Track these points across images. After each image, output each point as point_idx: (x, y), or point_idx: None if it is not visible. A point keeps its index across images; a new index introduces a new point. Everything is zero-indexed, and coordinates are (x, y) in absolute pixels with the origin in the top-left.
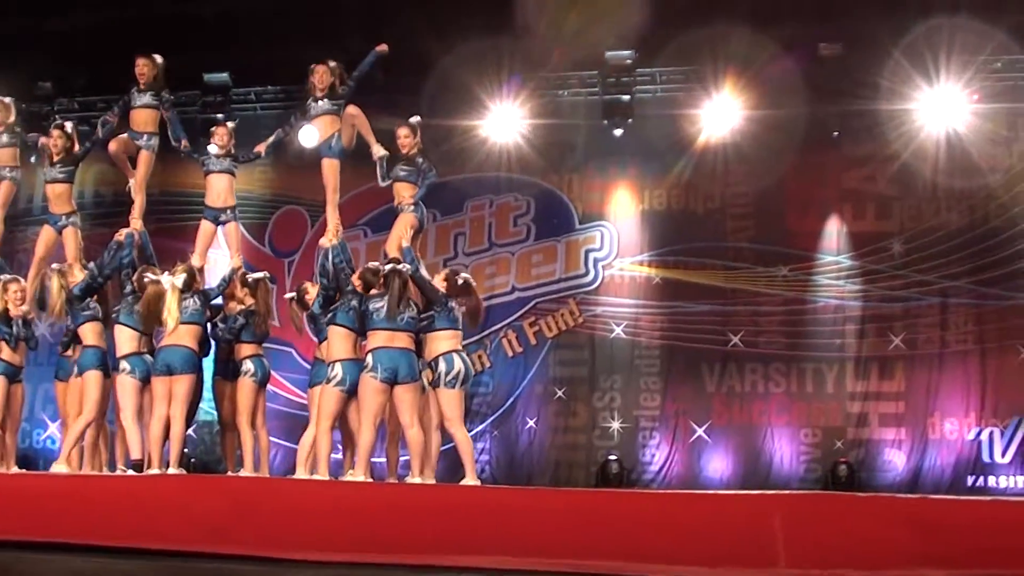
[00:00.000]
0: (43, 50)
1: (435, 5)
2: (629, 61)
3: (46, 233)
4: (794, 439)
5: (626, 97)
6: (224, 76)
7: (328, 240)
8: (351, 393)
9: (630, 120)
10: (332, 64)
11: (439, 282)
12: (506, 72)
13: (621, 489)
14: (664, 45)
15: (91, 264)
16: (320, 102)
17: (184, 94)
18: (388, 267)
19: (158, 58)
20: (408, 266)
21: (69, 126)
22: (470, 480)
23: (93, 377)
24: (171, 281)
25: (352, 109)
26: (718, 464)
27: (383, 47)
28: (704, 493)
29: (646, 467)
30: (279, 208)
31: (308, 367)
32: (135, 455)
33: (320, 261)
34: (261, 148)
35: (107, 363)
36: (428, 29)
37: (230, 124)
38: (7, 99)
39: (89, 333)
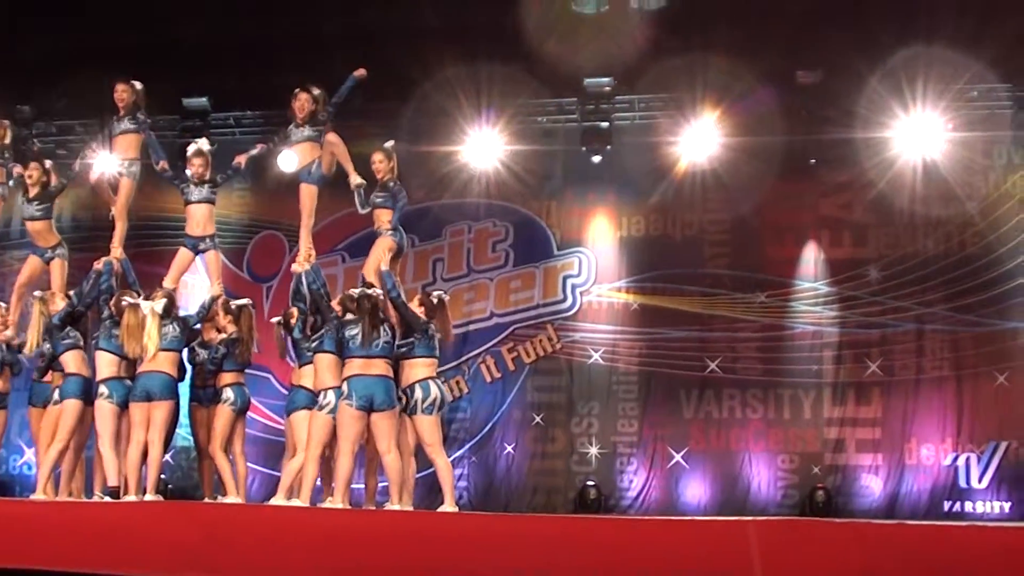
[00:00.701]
0: (21, 74)
1: (415, 32)
2: (608, 88)
3: (32, 262)
4: (771, 465)
5: (605, 124)
6: (203, 100)
7: (300, 265)
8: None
9: (609, 147)
10: (315, 92)
11: (416, 307)
12: (485, 99)
13: (599, 515)
14: (643, 72)
15: (71, 292)
16: (301, 128)
17: (163, 118)
18: (359, 292)
19: (137, 84)
20: (380, 292)
21: (48, 163)
22: (448, 506)
23: (71, 405)
24: (151, 307)
25: (332, 136)
26: (696, 490)
27: (361, 72)
28: (682, 519)
29: (624, 493)
30: (257, 233)
31: (286, 393)
32: (112, 482)
33: (294, 286)
34: (242, 159)
35: (90, 391)
36: (408, 55)
37: (206, 148)
38: (5, 121)
39: (71, 361)
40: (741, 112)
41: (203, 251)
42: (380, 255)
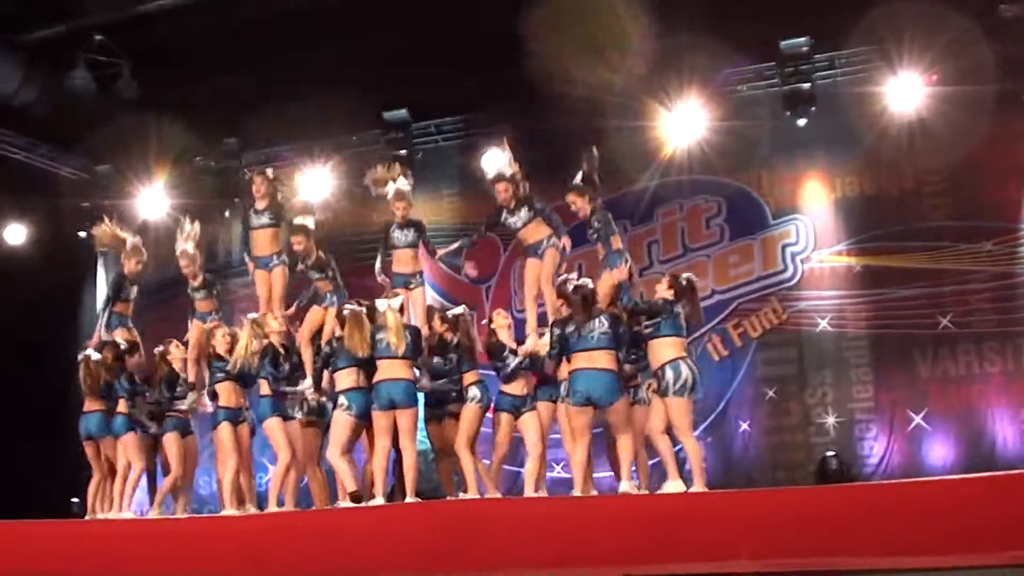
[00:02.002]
0: (225, 107)
1: (609, 13)
2: (806, 48)
3: (260, 277)
4: (1016, 418)
5: (806, 85)
6: (403, 112)
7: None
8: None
9: (813, 108)
10: (517, 177)
11: (664, 289)
12: (685, 74)
13: (844, 484)
14: (840, 27)
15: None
16: (518, 214)
17: (366, 134)
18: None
19: (269, 172)
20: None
21: (270, 172)
22: (699, 488)
23: (273, 425)
24: (388, 304)
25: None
26: (940, 451)
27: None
28: (930, 480)
29: (866, 460)
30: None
31: None
32: (350, 488)
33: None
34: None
35: (283, 408)
36: (602, 37)
37: (406, 188)
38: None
39: (263, 382)
40: (945, 56)
41: (413, 288)
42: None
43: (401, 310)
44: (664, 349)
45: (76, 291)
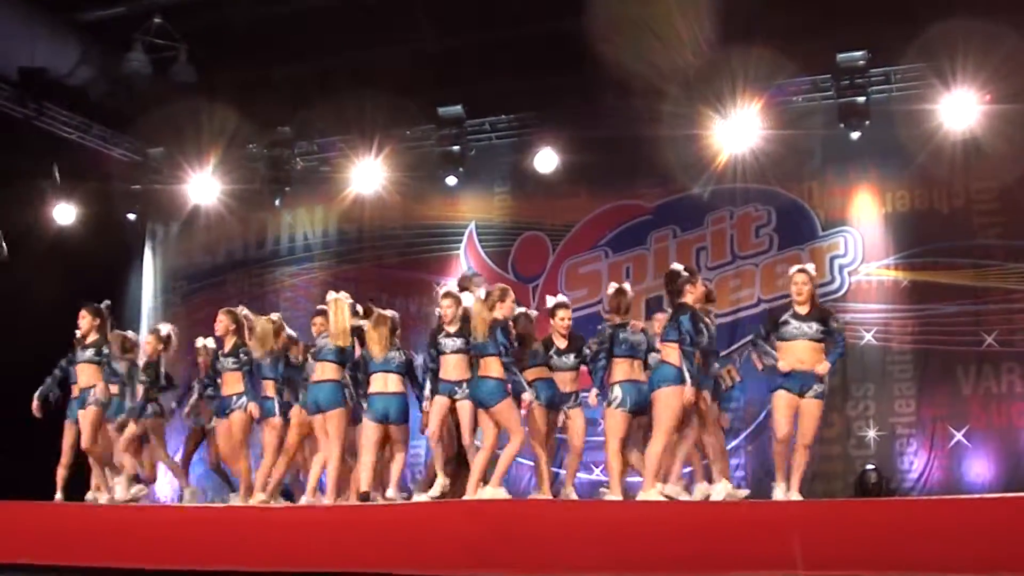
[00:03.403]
0: (279, 95)
1: (667, 21)
2: (862, 62)
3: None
4: None
5: (861, 99)
6: (458, 108)
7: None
8: (634, 413)
9: (867, 122)
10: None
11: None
12: (740, 82)
13: (881, 498)
14: (896, 43)
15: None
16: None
17: (420, 129)
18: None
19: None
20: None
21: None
22: (794, 494)
23: (335, 414)
24: (475, 295)
25: None
26: (979, 469)
27: None
28: (968, 498)
29: (905, 475)
30: (520, 234)
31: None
32: (363, 487)
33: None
34: None
35: (346, 397)
36: (659, 43)
37: (455, 290)
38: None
39: (328, 368)
40: (1002, 75)
41: (458, 399)
42: None
43: (495, 305)
44: None
45: (123, 273)
